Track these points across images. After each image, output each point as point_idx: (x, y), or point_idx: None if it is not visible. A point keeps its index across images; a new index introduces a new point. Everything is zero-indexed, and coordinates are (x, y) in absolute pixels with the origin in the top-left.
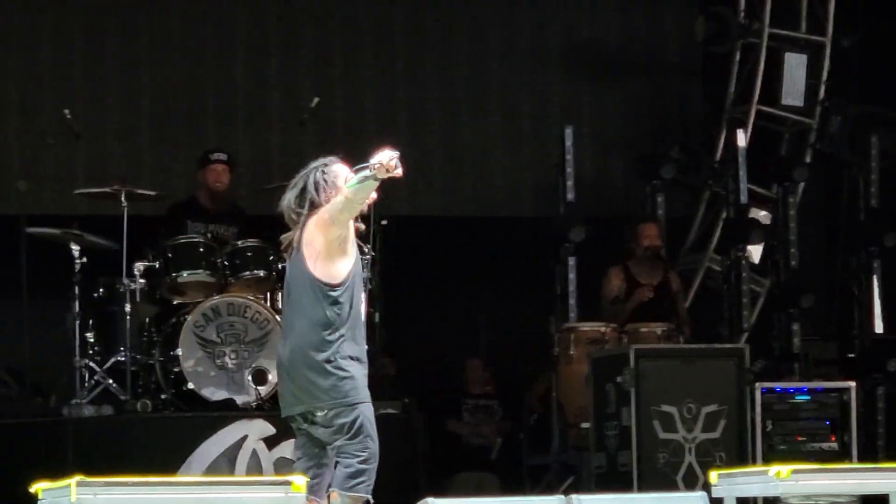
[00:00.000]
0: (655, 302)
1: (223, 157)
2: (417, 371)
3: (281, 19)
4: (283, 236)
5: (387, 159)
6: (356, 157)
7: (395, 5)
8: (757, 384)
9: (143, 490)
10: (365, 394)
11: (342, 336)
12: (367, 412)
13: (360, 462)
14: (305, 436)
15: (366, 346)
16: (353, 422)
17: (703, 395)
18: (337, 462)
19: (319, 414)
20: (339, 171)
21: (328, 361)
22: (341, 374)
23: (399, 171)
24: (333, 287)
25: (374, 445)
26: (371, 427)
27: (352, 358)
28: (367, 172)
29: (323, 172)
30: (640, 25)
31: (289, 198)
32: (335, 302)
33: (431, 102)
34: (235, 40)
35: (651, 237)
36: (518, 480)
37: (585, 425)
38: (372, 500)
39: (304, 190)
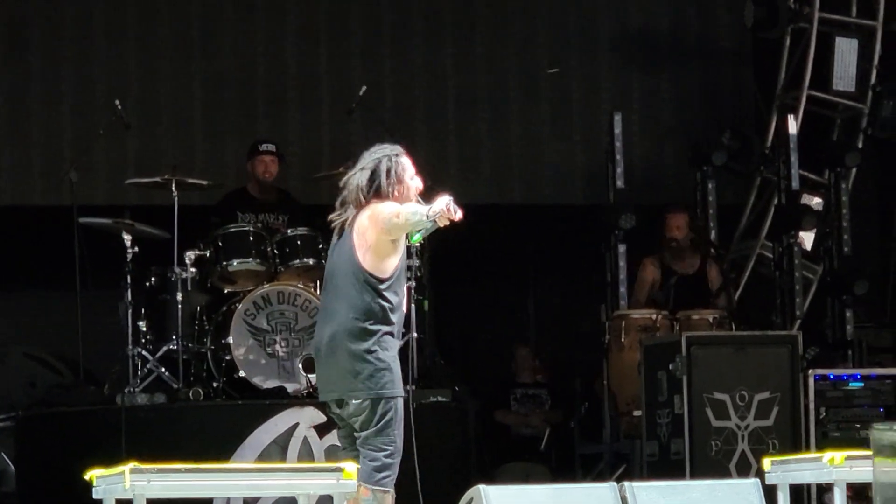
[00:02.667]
0: (692, 291)
1: (271, 147)
2: (467, 359)
3: (330, 8)
4: (332, 216)
5: (444, 206)
6: (405, 147)
7: None
8: (810, 371)
9: (195, 476)
10: (400, 388)
11: (383, 328)
12: (399, 407)
13: (386, 456)
14: (344, 424)
15: (403, 335)
16: (384, 415)
17: (756, 382)
18: (360, 454)
19: (354, 402)
20: (406, 166)
21: (368, 351)
22: (380, 364)
23: (459, 215)
24: (380, 280)
25: (399, 441)
26: (399, 422)
27: (391, 350)
28: (427, 224)
29: (395, 163)
30: (691, 11)
31: (358, 178)
32: (380, 294)
33: (481, 90)
34: (286, 29)
35: (675, 228)
36: (569, 469)
37: (637, 413)
38: (394, 493)
39: (373, 174)
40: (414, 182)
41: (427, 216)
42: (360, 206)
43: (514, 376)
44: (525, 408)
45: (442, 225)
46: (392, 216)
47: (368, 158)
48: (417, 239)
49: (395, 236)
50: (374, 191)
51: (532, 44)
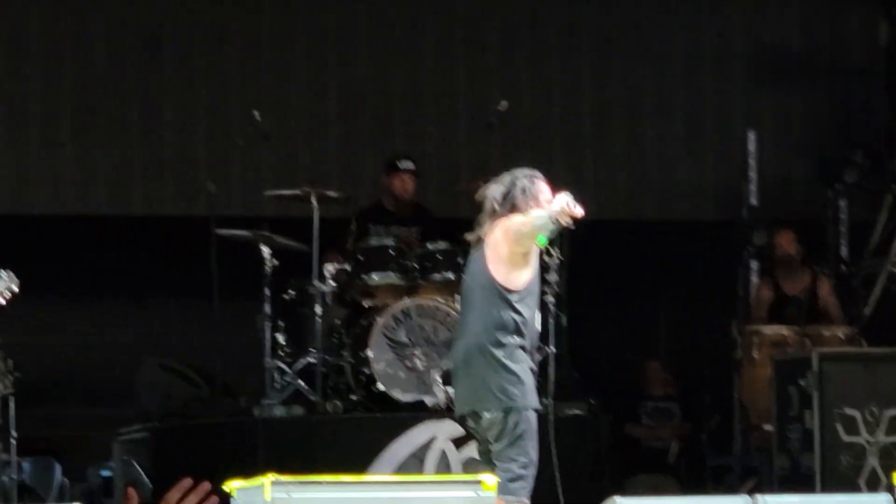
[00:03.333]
0: (805, 304)
1: (410, 166)
2: (599, 373)
3: (467, 22)
4: (468, 235)
5: (564, 203)
6: (541, 162)
7: (581, 10)
8: None
9: (336, 489)
10: (532, 400)
11: (517, 340)
12: (531, 419)
13: (520, 467)
14: (480, 437)
15: (540, 349)
16: (516, 426)
17: (886, 398)
18: (495, 467)
19: (486, 415)
20: (542, 188)
21: (500, 364)
22: (511, 376)
23: (580, 211)
24: (511, 292)
25: (533, 452)
26: (533, 434)
27: (523, 362)
28: (550, 226)
29: (531, 182)
30: (823, 29)
31: (494, 191)
32: (512, 306)
33: (616, 106)
34: (423, 43)
35: (786, 244)
36: (699, 482)
37: (768, 427)
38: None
39: (510, 190)
40: (547, 206)
41: (549, 217)
42: (494, 220)
43: (644, 390)
44: (655, 421)
45: (564, 224)
46: (520, 226)
47: (506, 176)
48: (543, 241)
49: (526, 247)
50: (509, 204)
51: (667, 61)
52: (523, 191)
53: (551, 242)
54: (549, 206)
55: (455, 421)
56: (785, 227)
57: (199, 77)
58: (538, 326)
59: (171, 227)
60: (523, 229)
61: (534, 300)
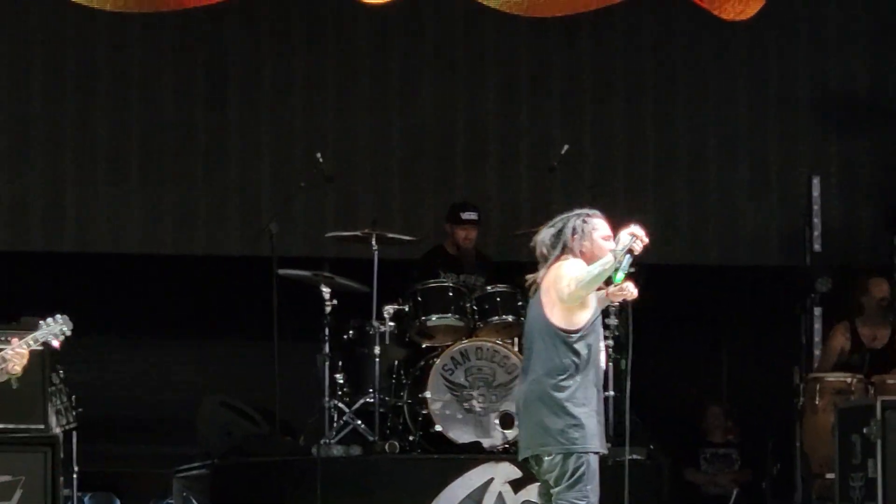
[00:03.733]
0: (886, 357)
1: (473, 217)
2: (660, 417)
3: (531, 65)
4: (528, 276)
5: (629, 235)
6: (604, 205)
7: (645, 53)
8: None
9: None
10: (594, 443)
11: (577, 383)
12: (591, 462)
13: None
14: (542, 480)
15: (601, 395)
16: (576, 469)
17: None
18: None
19: (546, 458)
20: (597, 225)
21: (560, 407)
22: (571, 420)
23: (644, 237)
24: (569, 333)
25: (593, 496)
26: (593, 478)
27: (585, 406)
28: (618, 264)
29: (584, 221)
30: (890, 74)
31: (544, 235)
32: (571, 348)
33: (679, 149)
34: (486, 85)
35: (882, 291)
36: None
37: (830, 476)
38: None
39: (560, 231)
40: (607, 244)
41: (615, 255)
42: (548, 264)
43: (705, 435)
44: (714, 467)
45: (638, 252)
46: (565, 288)
47: (558, 218)
48: (621, 278)
49: (575, 303)
50: (560, 247)
51: (731, 103)
52: (574, 231)
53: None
54: (610, 244)
55: (513, 463)
56: (881, 275)
57: (263, 119)
58: (603, 364)
59: (234, 267)
60: (569, 290)
61: (596, 338)
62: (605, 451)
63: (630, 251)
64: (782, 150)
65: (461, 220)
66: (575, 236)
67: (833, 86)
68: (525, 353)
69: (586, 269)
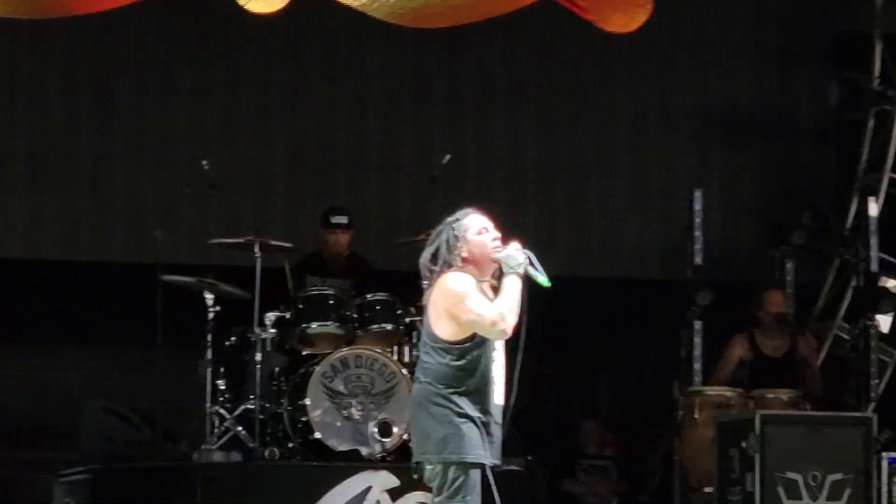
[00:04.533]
0: (782, 369)
1: (342, 220)
2: (538, 429)
3: (414, 76)
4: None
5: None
6: (484, 214)
7: (526, 65)
8: (884, 454)
9: None
10: (476, 454)
11: (461, 392)
12: (472, 474)
13: None
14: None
15: (497, 407)
16: (455, 480)
17: (829, 463)
18: None
19: (428, 466)
20: (469, 224)
21: (442, 415)
22: (451, 429)
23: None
24: (452, 344)
25: None
26: (472, 489)
27: (470, 417)
28: (532, 270)
29: (453, 229)
30: (773, 90)
31: (424, 256)
32: (456, 358)
33: (561, 162)
34: (369, 95)
35: (777, 304)
36: None
37: (708, 489)
38: None
39: (437, 249)
40: (483, 237)
41: (515, 272)
42: (431, 281)
43: (580, 448)
44: (591, 479)
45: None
46: (471, 316)
47: (434, 234)
48: (545, 281)
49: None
50: (441, 263)
51: (612, 116)
52: (448, 244)
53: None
54: (485, 236)
55: (391, 471)
56: (775, 287)
57: (148, 126)
58: (496, 375)
59: (118, 273)
60: (470, 319)
61: (488, 349)
62: (493, 463)
63: (530, 261)
64: (663, 163)
65: (330, 223)
66: (451, 248)
67: (715, 100)
68: (417, 363)
69: (500, 307)
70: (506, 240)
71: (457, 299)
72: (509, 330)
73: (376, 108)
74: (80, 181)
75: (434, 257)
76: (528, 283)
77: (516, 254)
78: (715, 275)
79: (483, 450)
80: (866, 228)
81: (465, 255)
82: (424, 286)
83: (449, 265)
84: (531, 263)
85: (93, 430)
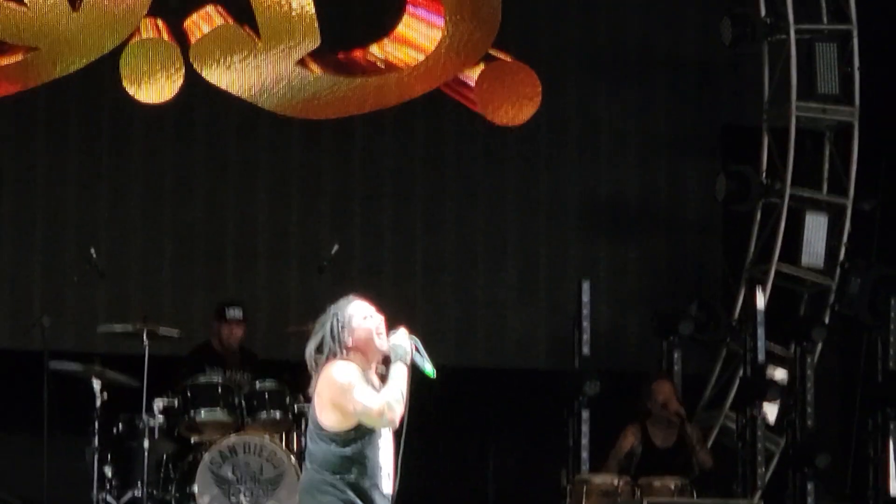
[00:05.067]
0: (672, 458)
1: (238, 315)
2: None
3: (302, 167)
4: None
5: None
6: (372, 305)
7: (415, 155)
8: None
9: None
10: None
11: (348, 480)
12: None
13: None
14: None
15: (385, 497)
16: None
17: None
18: None
19: None
20: (353, 311)
21: (328, 502)
22: None
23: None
24: (338, 434)
25: None
26: None
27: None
28: (418, 357)
29: (337, 317)
30: (661, 181)
31: (310, 347)
32: (340, 447)
33: (448, 253)
34: (256, 185)
35: (665, 393)
36: None
37: None
38: None
39: (322, 340)
40: (367, 323)
41: (402, 361)
42: (317, 371)
43: None
44: None
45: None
46: (363, 408)
47: (317, 325)
48: (431, 371)
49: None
50: (326, 353)
51: (500, 209)
52: (332, 334)
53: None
54: (369, 322)
55: None
56: (663, 378)
57: (36, 212)
58: (383, 463)
59: (4, 359)
60: (360, 410)
61: (375, 437)
62: None
63: (416, 349)
64: (551, 253)
65: (226, 317)
66: (335, 337)
67: (603, 191)
68: (306, 446)
69: (386, 397)
70: (391, 326)
71: (342, 391)
72: (397, 419)
73: (265, 197)
74: None
75: (320, 347)
76: (414, 371)
77: (403, 342)
78: (603, 364)
79: None
80: (753, 319)
81: (349, 343)
82: (312, 376)
83: (335, 354)
84: (417, 350)
85: None
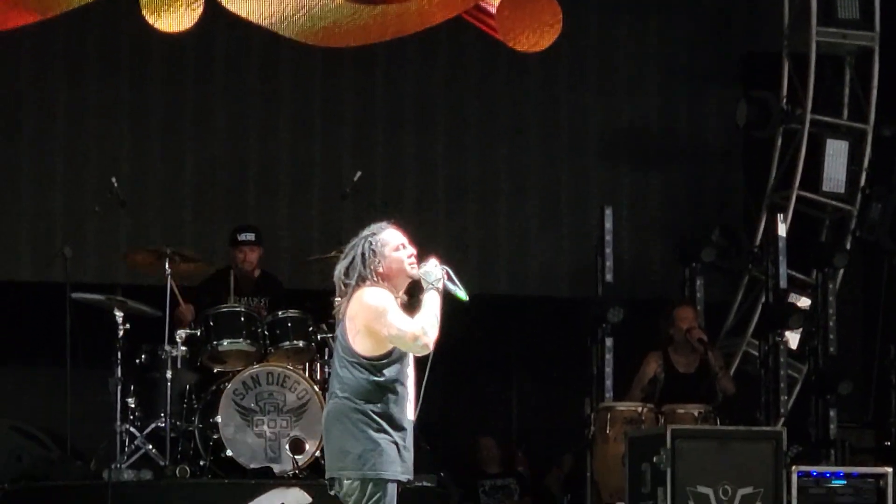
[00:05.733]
0: (695, 384)
1: (250, 237)
2: (448, 447)
3: (324, 96)
4: (335, 301)
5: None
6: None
7: (437, 84)
8: (793, 468)
9: None
10: (393, 470)
11: (379, 407)
12: (389, 489)
13: None
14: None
15: (410, 422)
16: (373, 495)
17: (740, 477)
18: None
19: (346, 482)
20: (387, 239)
21: (359, 430)
22: (370, 444)
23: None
24: (372, 361)
25: None
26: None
27: (387, 433)
28: (451, 285)
29: (370, 242)
30: (681, 109)
31: (339, 269)
32: (373, 374)
33: (471, 181)
34: (279, 114)
35: (688, 319)
36: None
37: None
38: None
39: (352, 262)
40: (399, 253)
41: (434, 287)
42: (347, 295)
43: (481, 467)
44: (493, 499)
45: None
46: (394, 331)
47: (349, 247)
48: (464, 296)
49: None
50: (356, 277)
51: (522, 135)
52: (363, 257)
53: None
54: (401, 253)
55: (303, 488)
56: (685, 303)
57: (57, 144)
58: (410, 392)
59: (27, 293)
60: (393, 333)
61: (404, 365)
62: (407, 479)
63: (448, 277)
64: (573, 182)
65: (237, 241)
66: (367, 262)
67: (624, 120)
68: (331, 377)
69: (421, 322)
70: (421, 257)
71: (377, 314)
72: (431, 344)
73: (286, 127)
74: None
75: (348, 271)
76: (447, 298)
77: (435, 270)
78: (625, 292)
79: (400, 466)
80: (775, 246)
81: (380, 270)
82: (336, 301)
83: (364, 279)
84: (450, 279)
85: (1, 450)
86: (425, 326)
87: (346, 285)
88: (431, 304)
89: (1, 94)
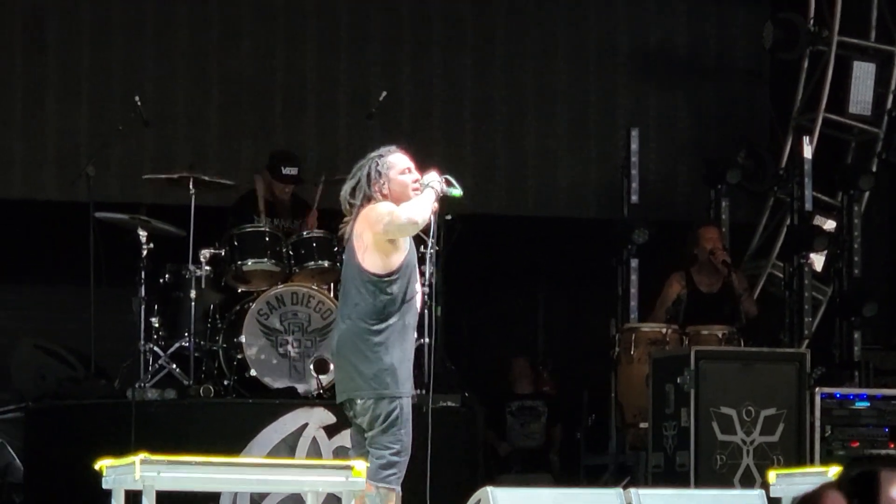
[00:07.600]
0: (718, 305)
1: (293, 171)
2: (474, 367)
3: (351, 14)
4: (341, 225)
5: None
6: (422, 153)
7: (464, 5)
8: (817, 389)
9: (205, 469)
10: (406, 387)
11: (388, 327)
12: (405, 405)
13: (392, 454)
14: (354, 424)
15: (416, 339)
16: (389, 413)
17: (763, 398)
18: (369, 453)
19: (359, 402)
20: (394, 162)
21: (372, 351)
22: (383, 364)
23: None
24: (381, 278)
25: (406, 439)
26: (406, 421)
27: (398, 350)
28: (439, 189)
29: (377, 164)
30: (709, 30)
31: (345, 189)
32: (383, 292)
33: (498, 101)
34: (305, 33)
35: (713, 240)
36: (574, 480)
37: (644, 425)
38: (400, 492)
39: (358, 181)
40: (405, 177)
41: (432, 187)
42: (353, 214)
43: (511, 387)
44: (520, 420)
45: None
46: (396, 219)
47: (356, 168)
48: (459, 193)
49: (402, 237)
50: (361, 197)
51: (550, 57)
52: (370, 177)
53: (426, 232)
54: (407, 177)
55: (328, 408)
56: (709, 224)
57: (81, 63)
58: (418, 306)
59: (50, 212)
60: (396, 223)
61: (412, 282)
62: (415, 394)
63: (447, 182)
64: (600, 102)
65: (282, 175)
66: (372, 182)
67: (652, 41)
68: (340, 297)
69: (411, 203)
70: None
71: (379, 217)
72: (421, 222)
73: (312, 47)
74: (11, 119)
75: (354, 191)
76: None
77: (434, 177)
78: (651, 213)
79: (411, 381)
80: (800, 168)
81: (385, 191)
82: (341, 226)
83: (369, 199)
84: (449, 184)
85: (25, 367)
86: (414, 206)
87: (351, 205)
88: (425, 195)
89: (25, 11)
